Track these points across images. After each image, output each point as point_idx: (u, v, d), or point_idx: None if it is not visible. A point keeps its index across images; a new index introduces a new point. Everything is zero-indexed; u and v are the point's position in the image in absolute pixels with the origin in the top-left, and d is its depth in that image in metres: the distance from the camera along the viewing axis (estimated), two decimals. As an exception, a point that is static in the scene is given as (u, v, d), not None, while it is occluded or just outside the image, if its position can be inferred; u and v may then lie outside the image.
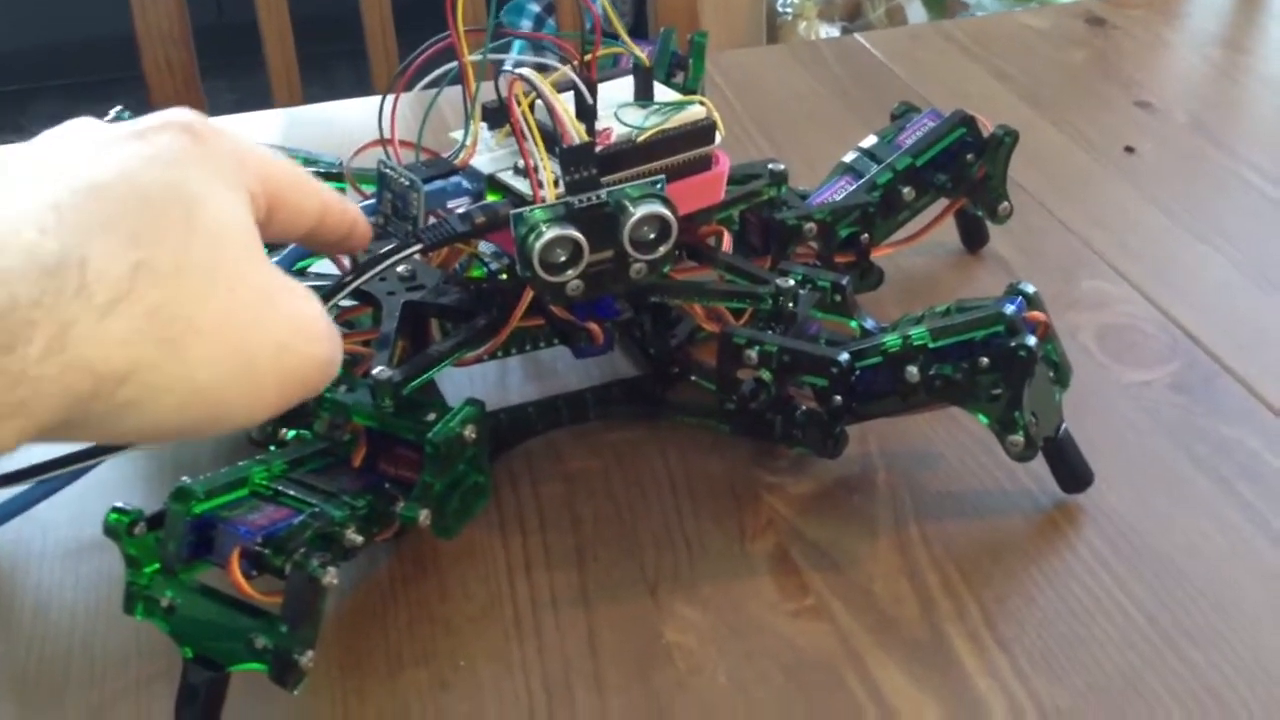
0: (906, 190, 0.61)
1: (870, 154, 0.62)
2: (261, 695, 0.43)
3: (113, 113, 0.64)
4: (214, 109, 1.01)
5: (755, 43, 1.49)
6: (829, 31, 1.62)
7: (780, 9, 1.64)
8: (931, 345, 0.48)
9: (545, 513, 0.52)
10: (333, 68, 2.26)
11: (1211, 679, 0.44)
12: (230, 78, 2.29)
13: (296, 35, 1.13)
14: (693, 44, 0.58)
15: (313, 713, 0.44)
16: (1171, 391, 0.58)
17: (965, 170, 0.62)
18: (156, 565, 0.41)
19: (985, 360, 0.47)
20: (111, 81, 2.30)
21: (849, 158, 0.62)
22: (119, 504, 0.42)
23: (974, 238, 0.67)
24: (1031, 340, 0.46)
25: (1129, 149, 0.77)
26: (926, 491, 0.52)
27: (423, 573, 0.50)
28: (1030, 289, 0.50)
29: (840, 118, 0.81)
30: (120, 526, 0.41)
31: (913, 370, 0.48)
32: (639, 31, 1.82)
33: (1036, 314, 0.48)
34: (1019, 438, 0.47)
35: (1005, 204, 0.63)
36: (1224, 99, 0.86)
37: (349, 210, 0.44)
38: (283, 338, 0.37)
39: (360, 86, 1.22)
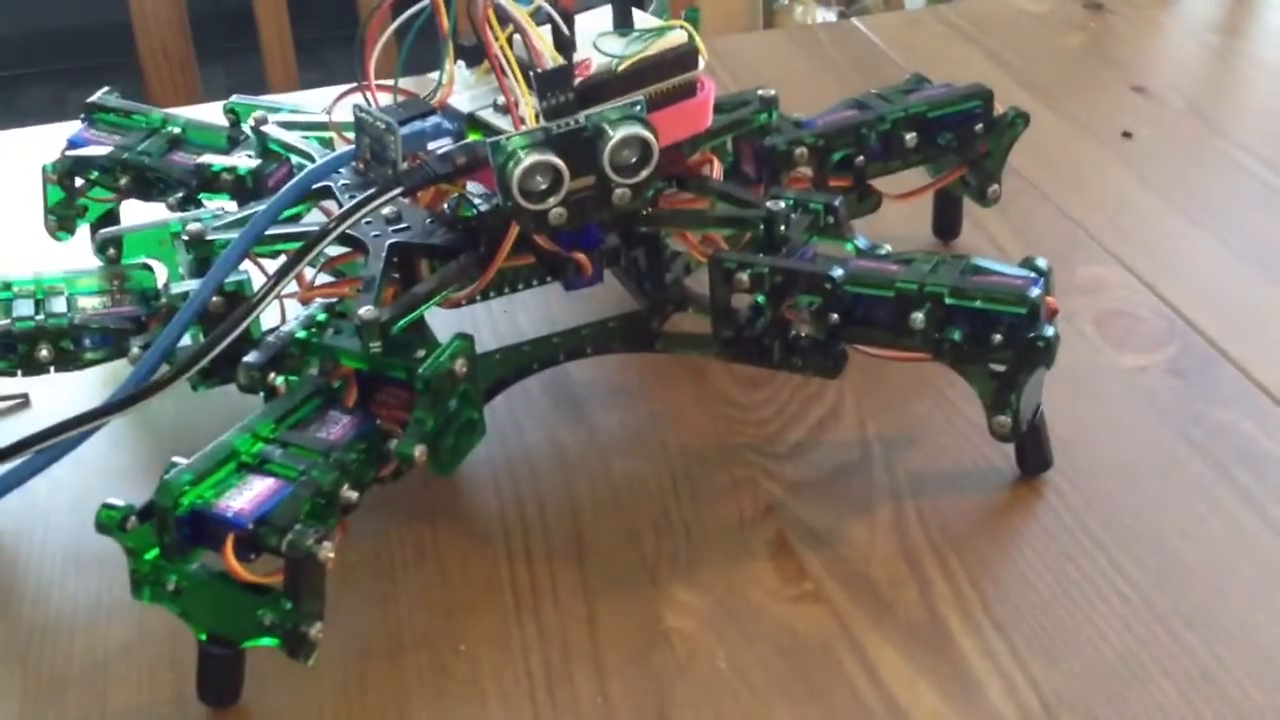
0: (910, 136, 0.60)
1: (882, 95, 0.62)
2: (263, 677, 0.44)
3: (99, 94, 0.64)
4: (211, 94, 1.01)
5: (752, 26, 1.49)
6: (825, 15, 1.62)
7: (777, -7, 1.64)
8: (946, 301, 0.47)
9: (544, 498, 0.52)
10: (329, 52, 2.26)
11: (1207, 661, 0.45)
12: (227, 63, 2.28)
13: (292, 20, 1.13)
14: (685, 19, 0.57)
15: (313, 697, 0.45)
16: (1168, 376, 0.58)
17: (971, 139, 0.62)
18: (157, 551, 0.41)
19: (999, 338, 0.47)
20: (108, 67, 2.29)
21: (859, 95, 0.62)
22: (110, 500, 0.41)
23: (947, 226, 0.67)
24: (1051, 332, 0.46)
25: (1126, 134, 0.77)
26: (924, 476, 0.53)
27: (422, 558, 0.50)
28: (1044, 265, 0.49)
29: (837, 103, 0.81)
30: (112, 523, 0.41)
31: (919, 317, 0.47)
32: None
33: (1051, 300, 0.48)
34: (1007, 419, 0.48)
35: (995, 187, 0.63)
36: (1221, 84, 0.86)
37: None
38: None
39: (358, 49, 1.21)
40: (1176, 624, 0.46)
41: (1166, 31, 0.92)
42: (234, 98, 0.63)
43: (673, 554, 0.50)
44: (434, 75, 0.50)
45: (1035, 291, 0.47)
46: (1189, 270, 0.65)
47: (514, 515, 0.52)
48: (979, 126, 0.61)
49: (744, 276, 0.48)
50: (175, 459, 0.42)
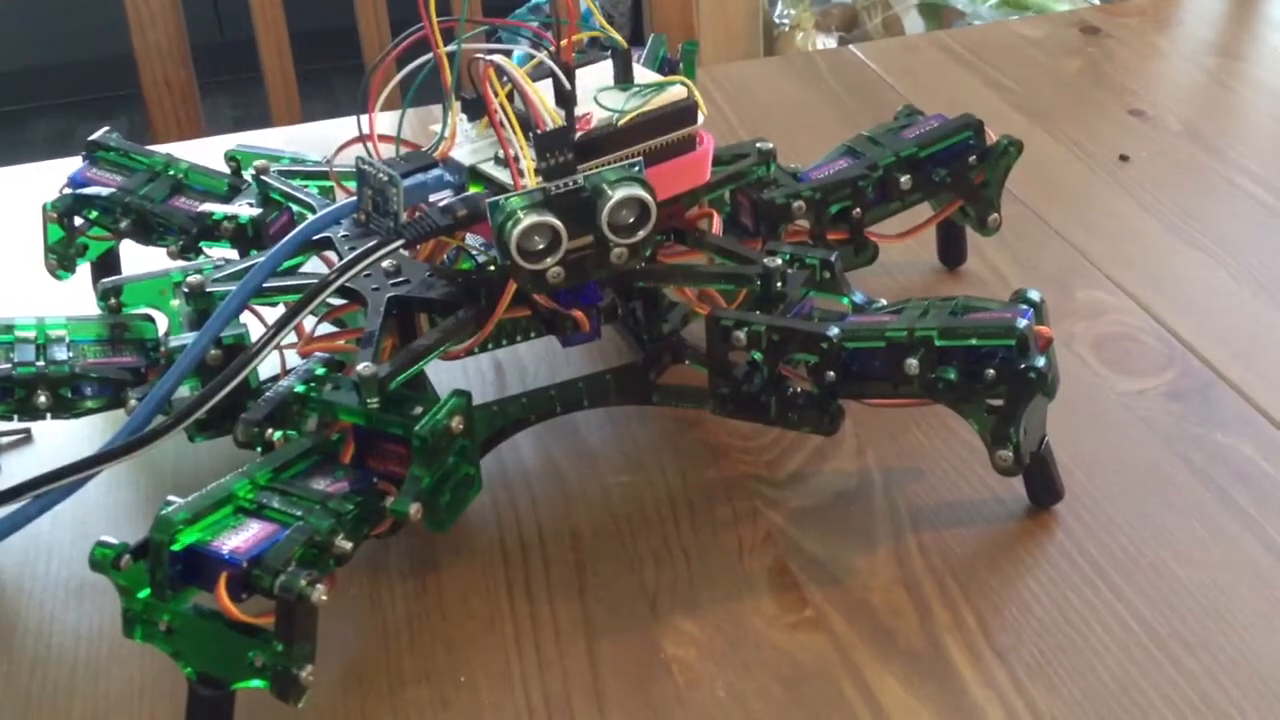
0: (905, 179, 0.61)
1: (872, 139, 0.62)
2: (260, 712, 0.44)
3: (100, 132, 0.64)
4: (214, 126, 1.02)
5: (753, 53, 1.50)
6: (826, 42, 1.63)
7: (777, 20, 1.64)
8: (937, 343, 0.47)
9: (544, 529, 0.52)
10: (333, 82, 2.27)
11: (1207, 687, 0.45)
12: (232, 94, 2.30)
13: (296, 51, 1.13)
14: (683, 52, 0.58)
15: (315, 731, 0.45)
16: (1167, 400, 0.58)
17: (966, 172, 0.62)
18: (149, 590, 0.42)
19: (991, 373, 0.47)
20: (112, 99, 2.31)
21: (850, 140, 0.62)
22: (104, 538, 0.42)
23: (952, 253, 0.67)
24: (1042, 362, 0.46)
25: (1123, 157, 0.78)
26: (923, 503, 0.53)
27: (423, 590, 0.50)
28: (1037, 297, 0.49)
29: (835, 130, 0.82)
30: (106, 561, 0.41)
31: (913, 363, 0.47)
32: (635, 44, 1.83)
33: (1044, 329, 0.48)
34: (1009, 453, 0.47)
35: (995, 215, 0.63)
36: (1218, 106, 0.86)
37: None
38: None
39: (361, 101, 1.22)
40: (1177, 649, 0.46)
41: (1164, 55, 0.93)
42: (236, 145, 0.64)
43: (672, 583, 0.50)
44: (438, 121, 0.51)
45: (1023, 323, 0.47)
46: (1187, 294, 0.65)
47: (514, 545, 0.52)
48: (973, 158, 0.62)
49: (741, 335, 0.49)
50: (171, 498, 0.42)
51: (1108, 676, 0.45)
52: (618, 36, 0.50)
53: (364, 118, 0.50)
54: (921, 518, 0.52)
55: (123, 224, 0.61)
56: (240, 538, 0.42)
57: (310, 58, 1.30)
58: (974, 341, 0.47)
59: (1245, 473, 0.54)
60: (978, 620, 0.48)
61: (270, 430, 0.47)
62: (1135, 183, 0.75)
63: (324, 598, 0.41)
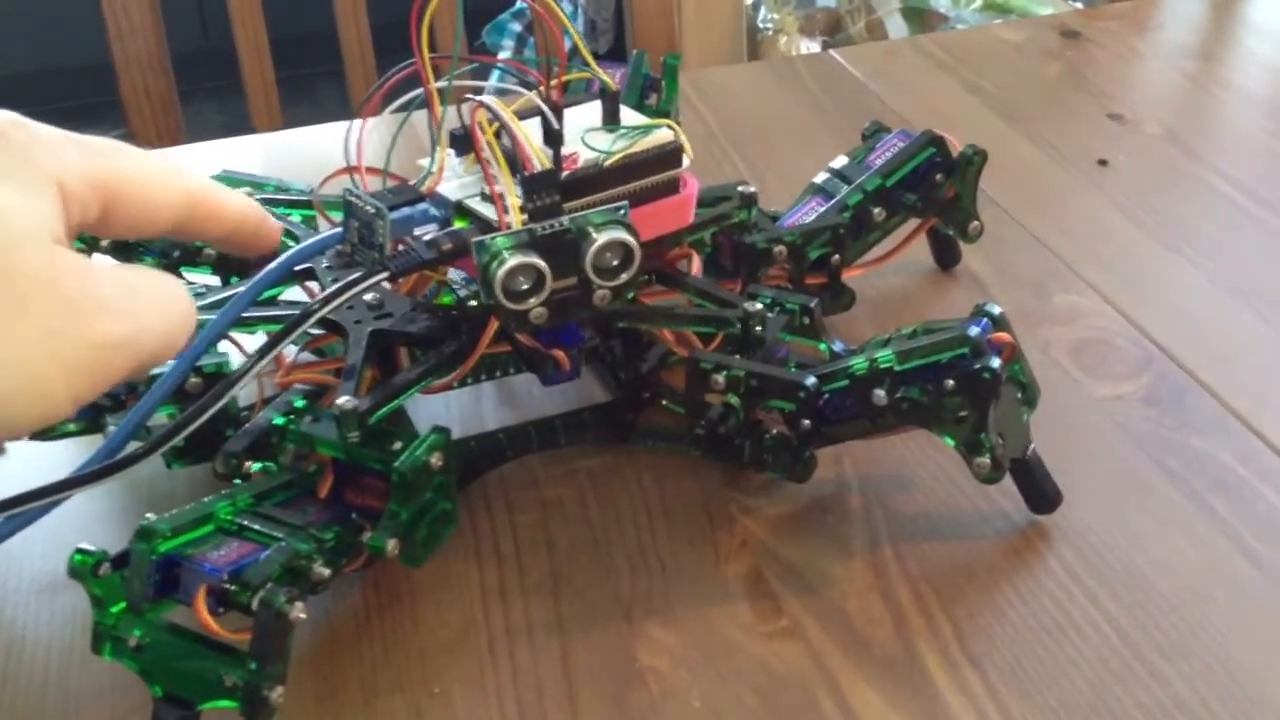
0: (877, 211, 0.61)
1: (840, 175, 0.62)
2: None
3: None
4: (201, 132, 1.01)
5: (736, 58, 1.50)
6: (809, 46, 1.63)
7: (761, 24, 1.65)
8: (897, 368, 0.48)
9: (519, 538, 0.52)
10: (317, 87, 2.27)
11: (1182, 693, 0.45)
12: (218, 100, 2.29)
13: (278, 57, 1.13)
14: (665, 66, 0.58)
15: (287, 743, 0.44)
16: (1143, 405, 0.58)
17: (935, 190, 0.62)
18: (123, 604, 0.41)
19: (950, 383, 0.47)
20: (93, 107, 2.31)
21: (819, 179, 0.63)
22: (83, 545, 0.41)
23: (946, 256, 0.67)
24: (995, 362, 0.46)
25: (1102, 162, 0.78)
26: (900, 511, 0.53)
27: (396, 601, 0.50)
28: (996, 310, 0.50)
29: (816, 135, 0.82)
30: (85, 568, 0.41)
31: (880, 393, 0.48)
32: (619, 50, 1.83)
33: (1002, 335, 0.48)
34: (985, 460, 0.47)
35: (976, 223, 0.63)
36: (1197, 110, 0.86)
37: (228, 205, 0.44)
38: (53, 324, 0.35)
39: (344, 104, 1.22)
40: (1152, 656, 0.46)
41: (1143, 59, 0.93)
42: (221, 171, 0.64)
43: (648, 591, 0.50)
44: (424, 161, 0.51)
45: (975, 330, 0.47)
46: (1165, 298, 0.65)
47: (489, 553, 0.52)
48: (939, 176, 0.62)
49: (720, 378, 0.49)
50: (149, 515, 0.42)
51: (1083, 683, 0.45)
52: (607, 78, 0.51)
53: (352, 147, 0.50)
54: (898, 525, 0.52)
55: (104, 242, 0.61)
56: (221, 553, 0.42)
57: (292, 63, 1.30)
58: (930, 358, 0.47)
59: (1222, 479, 0.54)
60: (953, 627, 0.48)
61: (248, 462, 0.47)
62: (1114, 187, 0.75)
63: (302, 616, 0.41)
